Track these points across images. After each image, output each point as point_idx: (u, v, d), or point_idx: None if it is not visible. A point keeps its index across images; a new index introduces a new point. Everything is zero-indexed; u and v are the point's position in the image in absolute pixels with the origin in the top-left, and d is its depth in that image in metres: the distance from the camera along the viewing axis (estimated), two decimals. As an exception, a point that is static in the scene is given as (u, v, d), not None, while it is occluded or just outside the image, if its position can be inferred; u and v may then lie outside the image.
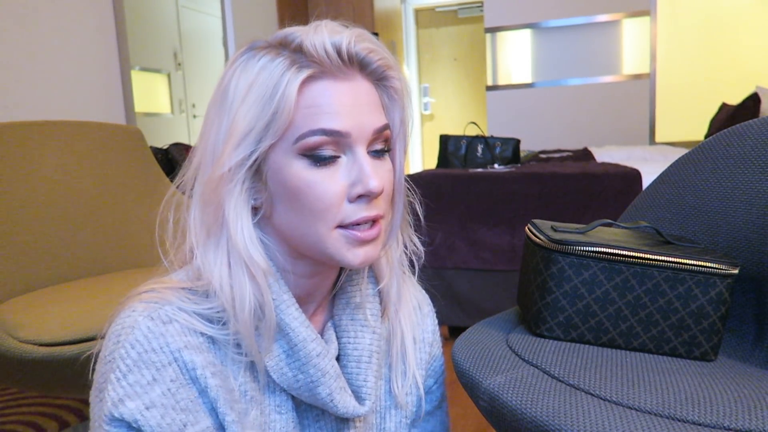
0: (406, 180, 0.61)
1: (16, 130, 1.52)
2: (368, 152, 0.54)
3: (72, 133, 1.66)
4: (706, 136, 3.21)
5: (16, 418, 1.60)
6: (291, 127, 0.51)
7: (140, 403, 0.48)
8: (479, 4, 5.60)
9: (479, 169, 2.54)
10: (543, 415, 0.69)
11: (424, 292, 0.73)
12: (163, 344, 0.50)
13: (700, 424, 0.64)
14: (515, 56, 4.47)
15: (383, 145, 0.56)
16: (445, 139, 2.97)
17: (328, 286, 0.62)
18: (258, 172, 0.53)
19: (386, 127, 0.55)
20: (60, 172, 1.59)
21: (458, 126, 5.86)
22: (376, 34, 4.66)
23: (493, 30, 4.46)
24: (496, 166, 2.71)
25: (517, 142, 2.90)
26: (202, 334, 0.53)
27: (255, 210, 0.55)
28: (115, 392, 0.48)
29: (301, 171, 0.51)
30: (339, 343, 0.61)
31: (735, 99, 3.44)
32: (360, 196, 0.52)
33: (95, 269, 1.58)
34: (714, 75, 4.07)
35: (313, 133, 0.50)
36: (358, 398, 0.60)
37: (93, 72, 2.57)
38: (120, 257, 1.64)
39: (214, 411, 0.52)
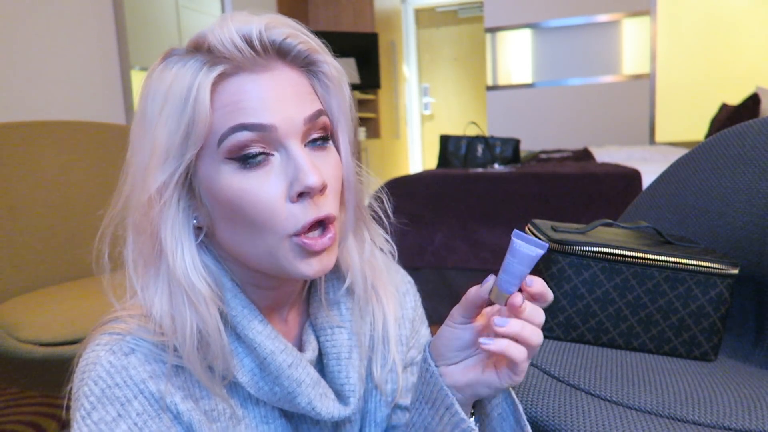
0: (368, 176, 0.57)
1: (16, 130, 1.52)
2: (306, 144, 0.50)
3: (72, 133, 1.66)
4: (706, 136, 3.21)
5: (16, 418, 1.60)
6: (211, 132, 0.47)
7: None
8: (479, 4, 5.61)
9: (479, 169, 2.54)
10: (543, 415, 0.69)
11: (402, 271, 0.70)
12: (126, 378, 0.48)
13: (700, 424, 0.64)
14: (515, 56, 4.47)
15: (322, 133, 0.51)
16: (445, 139, 2.97)
17: (298, 290, 0.60)
18: (191, 188, 0.50)
19: (320, 113, 0.50)
20: (60, 172, 1.59)
21: (458, 126, 5.86)
22: (375, 33, 4.67)
23: (493, 30, 4.46)
24: (496, 166, 2.71)
25: (517, 142, 2.90)
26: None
27: (199, 229, 0.51)
28: (80, 431, 0.47)
29: (231, 177, 0.47)
30: (318, 342, 0.60)
31: (735, 99, 3.44)
32: (301, 195, 0.48)
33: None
34: (714, 75, 4.07)
35: (234, 130, 0.46)
36: (342, 398, 0.58)
37: (93, 72, 2.57)
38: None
39: None
